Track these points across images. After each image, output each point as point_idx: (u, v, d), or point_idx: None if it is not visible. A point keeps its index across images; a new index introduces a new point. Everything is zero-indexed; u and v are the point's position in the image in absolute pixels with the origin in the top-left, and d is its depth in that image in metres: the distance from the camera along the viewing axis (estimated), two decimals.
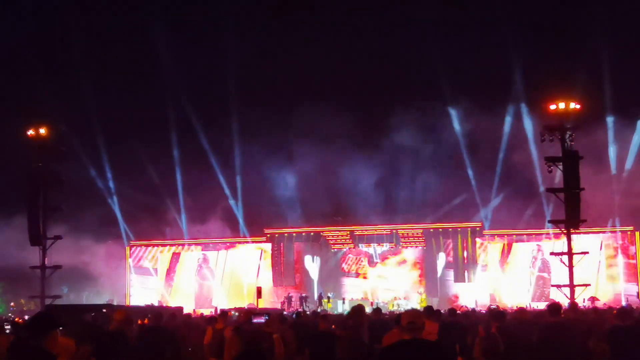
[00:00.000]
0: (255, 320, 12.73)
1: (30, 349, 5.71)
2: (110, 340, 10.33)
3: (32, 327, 5.85)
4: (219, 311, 19.11)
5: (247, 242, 47.01)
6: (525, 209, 43.76)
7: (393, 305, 41.40)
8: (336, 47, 54.30)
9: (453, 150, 45.94)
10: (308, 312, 26.82)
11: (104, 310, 15.21)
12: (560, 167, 32.73)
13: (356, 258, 47.57)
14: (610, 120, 41.43)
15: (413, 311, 6.99)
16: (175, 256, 47.97)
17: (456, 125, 45.53)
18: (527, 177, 42.58)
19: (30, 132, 36.67)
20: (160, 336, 12.24)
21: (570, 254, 32.63)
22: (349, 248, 47.42)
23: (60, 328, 5.92)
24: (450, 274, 45.15)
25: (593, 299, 36.53)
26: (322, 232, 46.75)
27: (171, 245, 47.78)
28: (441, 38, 50.87)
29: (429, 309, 12.83)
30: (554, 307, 9.93)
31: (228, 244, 47.19)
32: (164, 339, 12.23)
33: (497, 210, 45.00)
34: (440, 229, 45.19)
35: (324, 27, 53.29)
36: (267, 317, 12.78)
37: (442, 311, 18.52)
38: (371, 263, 47.00)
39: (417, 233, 45.67)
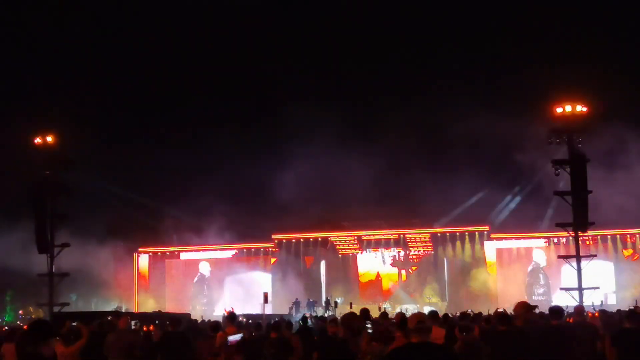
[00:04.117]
0: (230, 341, 12.31)
1: (27, 355, 5.72)
2: None
3: (29, 334, 5.86)
4: (226, 314, 18.87)
5: (255, 247, 47.00)
6: (535, 212, 43.47)
7: (401, 310, 41.25)
8: (338, 47, 54.38)
9: (461, 154, 45.72)
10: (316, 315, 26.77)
11: (110, 318, 15.17)
12: (568, 170, 32.59)
13: (363, 263, 47.45)
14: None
15: (419, 314, 6.91)
16: (182, 262, 48.03)
17: (462, 128, 45.30)
18: (536, 179, 42.36)
19: (38, 140, 36.74)
20: (181, 342, 12.31)
21: (578, 257, 32.45)
22: (357, 253, 47.34)
23: (57, 337, 5.93)
24: (457, 278, 45.05)
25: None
26: (330, 237, 46.72)
27: (178, 251, 47.83)
28: (447, 39, 50.89)
29: (433, 314, 12.68)
30: (556, 310, 9.86)
31: (236, 250, 47.23)
32: (184, 345, 12.30)
33: (505, 212, 44.84)
34: (448, 233, 45.09)
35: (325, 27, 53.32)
36: (242, 337, 12.32)
37: (449, 315, 18.40)
38: (378, 267, 46.88)
39: (425, 237, 45.55)
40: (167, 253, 48.02)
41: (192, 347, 12.75)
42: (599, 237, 42.14)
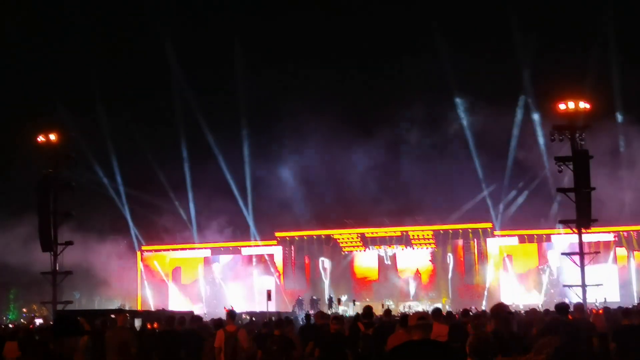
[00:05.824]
0: None
1: (41, 350, 5.72)
2: None
3: (53, 331, 5.86)
4: (226, 312, 18.87)
5: (258, 245, 47.02)
6: (538, 208, 43.44)
7: (404, 307, 41.30)
8: (341, 43, 54.31)
9: (464, 151, 45.66)
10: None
11: (113, 316, 15.21)
12: (571, 166, 32.51)
13: (366, 260, 47.43)
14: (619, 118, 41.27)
15: (421, 312, 6.94)
16: (185, 260, 48.05)
17: (467, 126, 45.29)
18: (539, 176, 42.34)
19: (40, 138, 36.72)
20: (174, 340, 12.35)
21: (581, 253, 32.34)
22: (360, 250, 47.32)
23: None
24: (461, 275, 45.03)
25: None
26: (333, 234, 46.71)
27: (181, 249, 47.83)
28: (449, 36, 50.77)
29: (436, 311, 12.69)
30: (561, 306, 9.88)
31: (238, 248, 47.26)
32: (177, 342, 12.35)
33: (508, 209, 44.81)
34: (451, 230, 45.03)
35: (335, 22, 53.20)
36: None
37: (453, 312, 18.43)
38: (382, 265, 46.84)
39: (428, 234, 45.52)
40: (170, 250, 47.86)
41: (193, 345, 12.79)
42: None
